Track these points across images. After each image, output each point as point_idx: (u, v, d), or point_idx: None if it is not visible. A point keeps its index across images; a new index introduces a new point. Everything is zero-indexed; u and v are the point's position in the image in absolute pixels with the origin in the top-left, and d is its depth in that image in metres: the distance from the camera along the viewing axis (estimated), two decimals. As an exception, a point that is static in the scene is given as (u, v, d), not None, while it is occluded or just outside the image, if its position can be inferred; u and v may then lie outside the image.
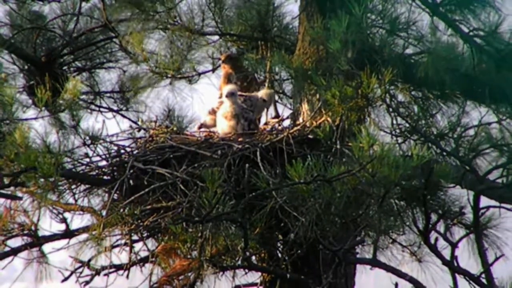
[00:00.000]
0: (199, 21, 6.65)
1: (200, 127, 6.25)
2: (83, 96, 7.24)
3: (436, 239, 5.43)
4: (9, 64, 7.24)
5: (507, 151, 5.87)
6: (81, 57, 7.46)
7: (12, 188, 5.43)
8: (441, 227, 5.75)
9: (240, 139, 5.70)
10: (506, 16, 5.91)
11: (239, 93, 6.03)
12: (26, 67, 7.29)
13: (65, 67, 7.39)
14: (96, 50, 7.47)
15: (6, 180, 5.23)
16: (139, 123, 6.50)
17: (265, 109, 6.38)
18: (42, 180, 5.14)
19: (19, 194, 5.56)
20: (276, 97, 6.68)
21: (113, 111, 7.41)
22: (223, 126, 5.90)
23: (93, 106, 7.34)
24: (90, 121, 6.19)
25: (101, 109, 7.40)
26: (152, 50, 6.58)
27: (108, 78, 7.51)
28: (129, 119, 7.35)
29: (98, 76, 7.52)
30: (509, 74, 5.87)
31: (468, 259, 5.98)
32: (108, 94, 7.48)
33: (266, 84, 6.55)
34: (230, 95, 5.91)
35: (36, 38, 7.25)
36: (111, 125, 7.03)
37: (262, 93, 6.27)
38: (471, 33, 5.98)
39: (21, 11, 7.34)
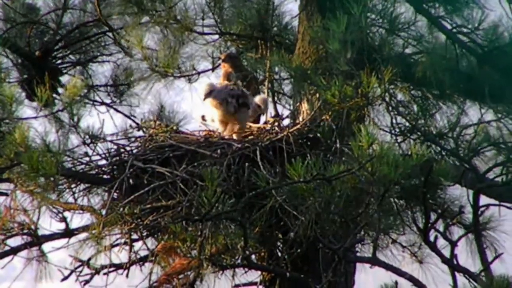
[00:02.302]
0: (198, 20, 6.66)
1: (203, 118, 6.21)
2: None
3: (436, 237, 5.42)
4: (2, 58, 7.16)
5: (505, 149, 5.89)
6: (75, 51, 7.42)
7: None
8: (440, 226, 5.75)
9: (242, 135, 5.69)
10: (490, 12, 5.92)
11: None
12: (19, 61, 7.25)
13: (59, 61, 7.37)
14: (89, 44, 7.43)
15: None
16: (139, 122, 6.48)
17: (262, 115, 6.30)
18: (42, 179, 5.15)
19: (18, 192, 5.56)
20: (276, 97, 6.68)
21: (107, 104, 7.39)
22: (216, 114, 5.83)
23: (86, 100, 7.30)
24: (90, 119, 6.15)
25: (94, 103, 7.37)
26: (152, 48, 6.59)
27: (101, 71, 7.49)
28: (122, 113, 7.34)
29: (91, 69, 7.50)
30: (492, 70, 5.89)
31: (466, 259, 6.00)
32: (101, 88, 7.47)
33: (266, 84, 6.55)
34: (207, 97, 5.86)
35: (30, 32, 7.19)
36: (105, 119, 6.98)
37: (256, 99, 6.14)
38: (454, 30, 5.98)
39: (14, 4, 7.29)
